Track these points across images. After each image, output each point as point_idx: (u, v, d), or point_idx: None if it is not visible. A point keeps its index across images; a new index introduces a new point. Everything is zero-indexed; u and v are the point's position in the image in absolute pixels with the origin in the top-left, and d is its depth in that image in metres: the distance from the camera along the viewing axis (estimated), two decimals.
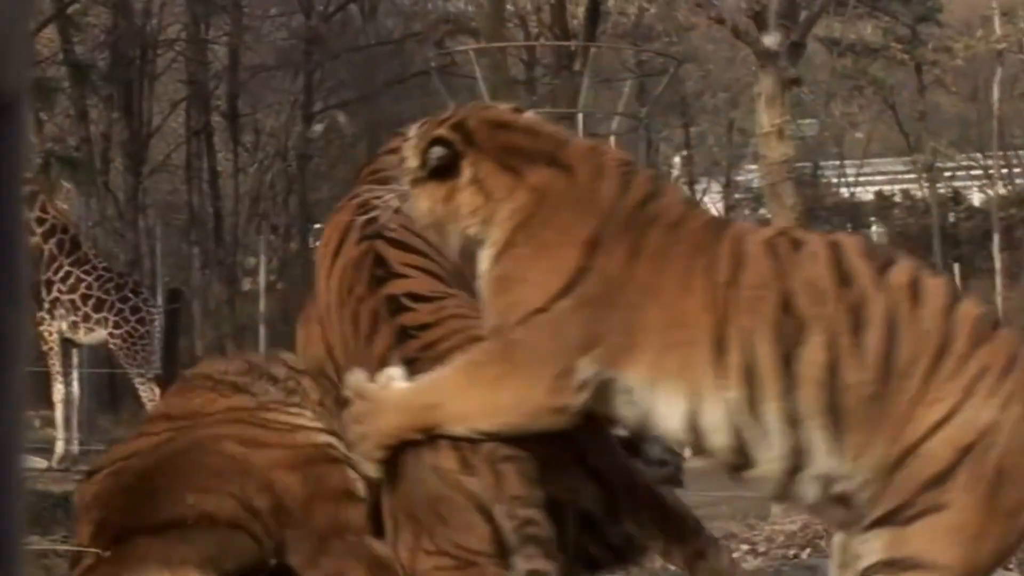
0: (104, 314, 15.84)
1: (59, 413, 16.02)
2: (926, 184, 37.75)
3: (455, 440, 3.84)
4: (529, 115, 4.15)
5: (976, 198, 40.56)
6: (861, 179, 42.53)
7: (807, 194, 31.89)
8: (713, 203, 43.18)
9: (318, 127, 32.12)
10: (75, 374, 16.82)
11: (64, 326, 15.86)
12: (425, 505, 3.91)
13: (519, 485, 3.79)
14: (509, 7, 27.30)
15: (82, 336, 16.03)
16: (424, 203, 4.00)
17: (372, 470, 4.04)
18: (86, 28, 28.60)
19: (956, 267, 27.28)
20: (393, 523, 4.06)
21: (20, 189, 0.81)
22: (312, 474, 4.45)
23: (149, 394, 15.65)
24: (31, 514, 7.58)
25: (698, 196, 42.16)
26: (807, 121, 37.03)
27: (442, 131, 4.00)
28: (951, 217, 38.75)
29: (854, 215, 42.35)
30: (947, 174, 38.75)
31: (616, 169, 3.95)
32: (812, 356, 3.64)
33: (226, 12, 30.95)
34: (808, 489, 3.72)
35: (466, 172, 3.94)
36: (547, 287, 3.76)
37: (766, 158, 19.67)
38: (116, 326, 15.86)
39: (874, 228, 44.22)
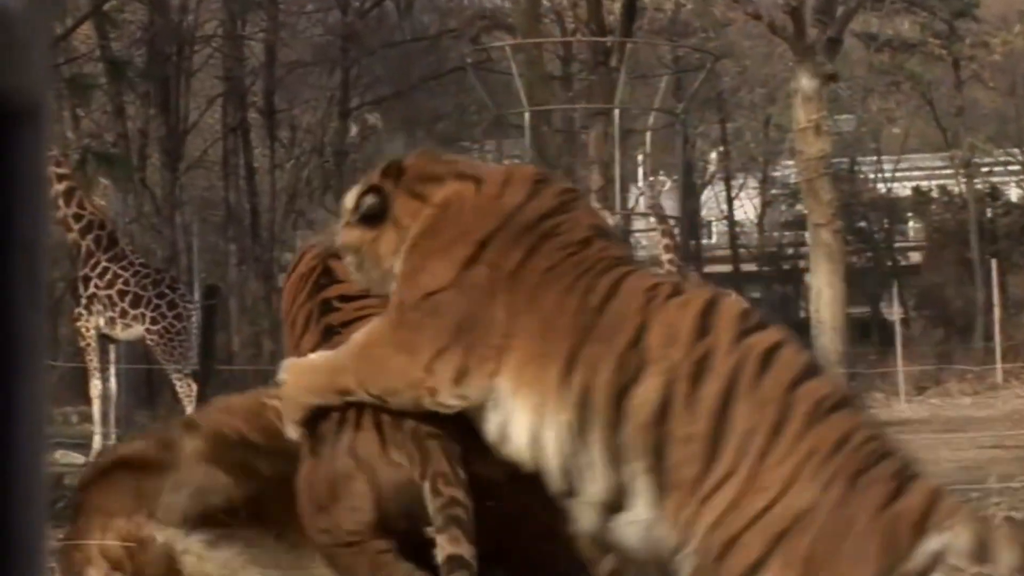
0: (141, 310, 15.91)
1: (96, 409, 16.10)
2: (963, 179, 37.61)
3: (378, 422, 3.94)
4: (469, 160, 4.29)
5: (1014, 193, 40.39)
6: (898, 175, 42.41)
7: (844, 190, 31.83)
8: (750, 199, 43.15)
9: (355, 125, 32.21)
10: (112, 370, 16.92)
11: (101, 322, 15.93)
12: (323, 485, 4.03)
13: (444, 462, 3.85)
14: (545, 3, 27.32)
15: (119, 332, 16.10)
16: (352, 243, 4.13)
17: (293, 432, 4.14)
18: (123, 24, 28.76)
19: (993, 263, 27.16)
20: (299, 498, 4.19)
21: (42, 195, 0.82)
22: (251, 415, 4.59)
23: (186, 390, 15.72)
24: (68, 510, 7.60)
25: (735, 192, 42.16)
26: (844, 117, 36.95)
27: (374, 179, 4.12)
28: (988, 212, 38.56)
29: (891, 211, 42.25)
30: (984, 169, 38.61)
31: (526, 180, 4.01)
32: (645, 395, 3.60)
33: (262, 8, 31.06)
34: (630, 534, 3.65)
35: (390, 215, 4.05)
36: (439, 276, 3.87)
37: (803, 154, 19.68)
38: (153, 322, 15.92)
39: (911, 223, 44.13)
